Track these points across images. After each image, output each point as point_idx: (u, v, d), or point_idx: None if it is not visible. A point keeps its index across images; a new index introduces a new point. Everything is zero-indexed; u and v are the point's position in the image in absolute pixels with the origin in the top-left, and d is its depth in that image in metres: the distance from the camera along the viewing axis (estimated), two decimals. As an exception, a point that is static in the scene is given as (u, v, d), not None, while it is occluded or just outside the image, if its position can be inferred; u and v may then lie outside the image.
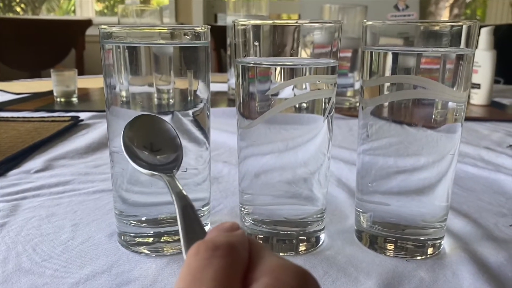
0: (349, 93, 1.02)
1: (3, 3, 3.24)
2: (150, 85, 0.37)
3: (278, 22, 0.36)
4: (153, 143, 0.34)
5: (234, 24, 0.37)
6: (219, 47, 2.18)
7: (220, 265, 0.18)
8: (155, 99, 0.37)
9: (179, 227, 0.24)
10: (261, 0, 1.13)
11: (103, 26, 0.36)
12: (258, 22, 0.36)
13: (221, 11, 2.96)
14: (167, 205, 0.39)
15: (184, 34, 0.36)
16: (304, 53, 0.37)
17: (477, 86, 1.05)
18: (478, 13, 3.61)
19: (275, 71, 0.36)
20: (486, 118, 0.94)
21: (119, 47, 0.35)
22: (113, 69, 0.36)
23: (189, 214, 0.26)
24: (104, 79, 0.37)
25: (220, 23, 2.93)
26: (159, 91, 0.37)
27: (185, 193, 0.28)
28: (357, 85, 1.03)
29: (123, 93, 0.37)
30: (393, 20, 0.38)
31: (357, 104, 1.03)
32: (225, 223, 0.22)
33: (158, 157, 0.33)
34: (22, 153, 0.64)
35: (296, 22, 0.36)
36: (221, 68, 2.18)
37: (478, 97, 1.05)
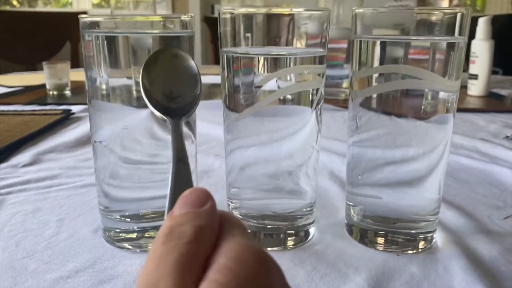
0: (344, 85, 1.00)
1: (-1, -4, 3.21)
2: (129, 78, 0.35)
3: (262, 10, 0.34)
4: (172, 91, 0.32)
5: (219, 13, 0.36)
6: (216, 39, 2.16)
7: (183, 252, 0.18)
8: (134, 92, 0.36)
9: (168, 187, 0.24)
10: (257, -9, 1.11)
11: (82, 16, 0.35)
12: (241, 10, 0.34)
13: (218, 2, 2.93)
14: (151, 200, 0.38)
15: (165, 23, 0.35)
16: (292, 43, 0.36)
17: (475, 76, 1.03)
18: (478, 4, 3.58)
19: (260, 61, 0.35)
20: (484, 109, 0.93)
21: (98, 37, 0.34)
22: (93, 61, 0.35)
23: (181, 172, 0.25)
24: (85, 71, 0.36)
25: (217, 14, 2.90)
26: (138, 84, 0.36)
27: (183, 145, 0.27)
28: (353, 77, 1.02)
29: (103, 86, 0.36)
30: (383, 8, 0.37)
31: (353, 95, 1.02)
32: (195, 191, 0.21)
33: (178, 99, 0.32)
34: (10, 147, 0.63)
35: (281, 10, 0.35)
36: (218, 60, 2.16)
37: (476, 88, 1.03)
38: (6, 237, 0.40)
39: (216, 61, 2.09)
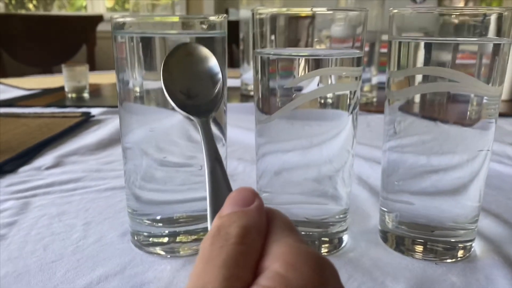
0: (366, 88, 0.99)
1: (15, 0, 3.25)
2: None
3: (300, 12, 0.34)
4: (190, 88, 0.31)
5: (253, 14, 0.35)
6: (231, 42, 2.15)
7: (230, 253, 0.18)
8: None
9: (207, 191, 0.24)
10: (274, -6, 1.11)
11: (116, 16, 0.34)
12: (282, 10, 0.33)
13: (232, 5, 2.93)
14: (183, 203, 0.37)
15: (200, 23, 0.34)
16: (327, 44, 0.35)
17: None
18: (494, 5, 3.54)
19: (297, 63, 0.34)
20: (509, 113, 0.91)
21: (132, 38, 0.33)
22: (126, 62, 0.34)
23: (217, 175, 0.25)
24: (117, 73, 0.36)
25: (231, 17, 2.90)
26: None
27: (215, 144, 0.27)
28: (374, 80, 1.00)
29: (137, 88, 0.35)
30: (418, 9, 0.35)
31: (374, 99, 1.00)
32: (242, 191, 0.21)
33: (196, 98, 0.31)
34: (32, 149, 0.63)
35: (313, 10, 0.34)
36: (233, 63, 2.16)
37: (499, 92, 1.01)
38: (34, 240, 0.39)
39: (231, 64, 2.09)
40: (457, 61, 0.33)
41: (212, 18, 0.35)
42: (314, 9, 0.33)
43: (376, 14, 0.98)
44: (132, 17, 0.34)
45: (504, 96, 1.01)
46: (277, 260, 0.17)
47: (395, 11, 0.36)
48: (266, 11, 0.34)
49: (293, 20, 0.34)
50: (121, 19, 0.34)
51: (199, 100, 0.31)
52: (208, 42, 0.36)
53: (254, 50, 0.36)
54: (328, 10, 0.34)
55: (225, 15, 0.36)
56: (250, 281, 0.17)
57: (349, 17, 0.35)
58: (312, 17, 0.34)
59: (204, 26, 0.35)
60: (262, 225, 0.19)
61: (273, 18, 0.35)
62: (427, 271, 0.35)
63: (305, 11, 0.33)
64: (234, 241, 0.18)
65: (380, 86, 0.98)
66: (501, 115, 0.89)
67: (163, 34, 0.34)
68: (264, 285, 0.16)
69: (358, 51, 0.35)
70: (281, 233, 0.19)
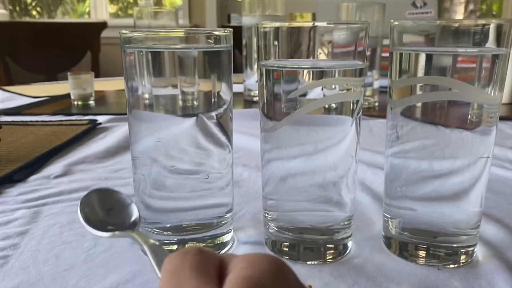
0: (368, 92, 1.00)
1: (19, 7, 3.28)
2: (174, 87, 0.36)
3: (302, 24, 0.35)
4: (109, 215, 0.34)
5: (257, 27, 0.36)
6: (234, 48, 2.17)
7: (195, 259, 0.19)
8: (180, 101, 0.36)
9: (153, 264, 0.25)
10: (277, 0, 1.11)
11: (124, 31, 0.35)
12: (285, 24, 0.35)
13: (235, 11, 2.95)
14: (192, 211, 0.38)
15: (207, 38, 0.35)
16: (330, 55, 0.36)
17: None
18: (494, 9, 3.54)
19: (302, 73, 0.35)
20: (510, 116, 0.92)
21: (141, 51, 0.35)
22: (135, 72, 0.36)
23: (161, 251, 0.26)
24: (126, 82, 0.37)
25: (233, 23, 2.92)
26: (183, 93, 0.36)
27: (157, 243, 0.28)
28: (376, 84, 1.01)
29: (146, 95, 0.36)
30: (415, 18, 0.36)
31: (376, 104, 1.01)
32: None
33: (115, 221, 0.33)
34: (41, 157, 0.64)
35: (314, 24, 0.35)
36: (236, 68, 2.17)
37: (501, 95, 1.02)
38: (46, 249, 0.40)
39: (234, 69, 2.10)
40: (457, 65, 0.34)
41: (217, 32, 0.36)
42: (316, 23, 0.34)
43: (377, 19, 0.99)
44: (139, 32, 0.35)
45: (506, 99, 1.02)
46: (241, 261, 0.19)
47: (396, 23, 0.37)
48: (270, 25, 0.35)
49: (296, 30, 0.35)
50: (129, 35, 0.35)
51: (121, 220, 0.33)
52: (214, 56, 0.37)
53: (259, 62, 0.37)
54: (329, 23, 0.35)
55: (230, 29, 0.37)
56: (219, 281, 0.18)
57: (351, 28, 0.36)
58: (314, 27, 0.35)
59: (211, 40, 0.36)
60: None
61: (276, 31, 0.36)
62: (430, 277, 0.36)
63: (307, 24, 0.34)
64: (194, 252, 0.20)
65: (382, 90, 0.99)
66: (503, 118, 0.90)
67: (171, 49, 0.35)
68: (238, 275, 0.18)
69: (360, 63, 0.36)
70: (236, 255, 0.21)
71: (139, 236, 0.29)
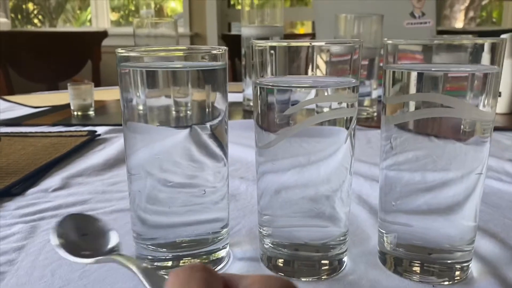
0: (366, 103, 1.00)
1: (21, 15, 3.30)
2: (167, 96, 0.36)
3: (295, 43, 0.35)
4: (87, 241, 0.33)
5: (252, 46, 0.37)
6: (234, 56, 2.18)
7: (202, 276, 0.20)
8: (173, 112, 0.37)
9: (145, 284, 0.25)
10: (276, 9, 1.12)
11: (120, 50, 0.36)
12: (282, 43, 0.35)
13: (235, 20, 2.97)
14: (186, 227, 0.38)
15: (202, 58, 0.36)
16: (325, 72, 0.36)
17: (498, 94, 1.02)
18: (494, 16, 3.55)
19: (296, 91, 0.35)
20: (508, 127, 0.92)
21: (136, 70, 0.35)
22: (130, 87, 0.36)
23: (153, 273, 0.26)
24: (121, 95, 0.37)
25: (234, 31, 2.94)
26: (176, 103, 0.37)
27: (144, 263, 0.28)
28: (375, 94, 1.01)
29: (140, 107, 0.36)
30: (413, 28, 0.37)
31: (374, 114, 1.01)
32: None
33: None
34: (39, 170, 0.65)
35: (311, 43, 0.35)
36: (236, 76, 2.18)
37: (500, 106, 1.02)
38: (42, 266, 0.40)
39: (233, 78, 2.11)
40: (449, 75, 0.35)
41: (214, 51, 0.36)
42: (313, 43, 0.35)
43: (375, 30, 1.00)
44: (135, 52, 0.35)
45: (503, 109, 1.02)
46: (253, 281, 0.20)
47: (389, 42, 0.37)
48: (264, 44, 0.36)
49: (291, 48, 0.36)
50: (125, 54, 0.35)
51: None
52: (210, 73, 0.37)
53: (254, 81, 0.38)
54: (326, 43, 0.35)
55: (225, 48, 0.37)
56: None
57: (346, 47, 0.36)
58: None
59: (206, 59, 0.36)
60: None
61: (272, 49, 0.36)
62: (424, 294, 0.36)
63: (302, 43, 0.35)
64: (200, 268, 0.20)
65: (380, 100, 0.99)
66: (501, 129, 0.90)
67: (168, 68, 0.35)
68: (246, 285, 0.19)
69: (354, 80, 0.36)
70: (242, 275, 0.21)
71: (123, 258, 0.29)
